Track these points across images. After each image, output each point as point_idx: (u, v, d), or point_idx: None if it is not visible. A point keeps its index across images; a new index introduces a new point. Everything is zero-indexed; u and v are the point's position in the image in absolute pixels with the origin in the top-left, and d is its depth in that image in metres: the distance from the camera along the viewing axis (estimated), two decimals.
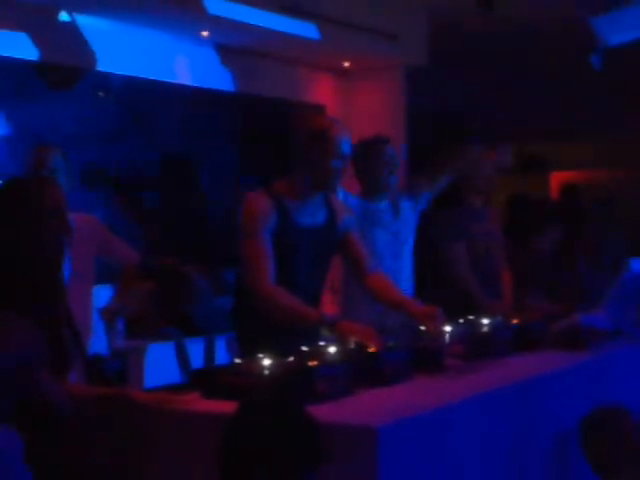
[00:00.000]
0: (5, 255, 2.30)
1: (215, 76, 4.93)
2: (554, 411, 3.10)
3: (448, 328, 3.17)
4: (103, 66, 4.41)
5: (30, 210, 2.34)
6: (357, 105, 5.64)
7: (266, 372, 2.57)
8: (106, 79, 4.49)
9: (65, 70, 4.23)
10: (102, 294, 3.50)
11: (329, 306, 3.70)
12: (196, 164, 4.76)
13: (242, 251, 3.13)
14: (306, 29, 4.84)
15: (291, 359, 2.65)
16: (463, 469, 2.60)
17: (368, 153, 3.94)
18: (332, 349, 2.73)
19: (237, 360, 2.68)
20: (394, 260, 3.99)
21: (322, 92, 5.61)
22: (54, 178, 3.10)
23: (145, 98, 4.63)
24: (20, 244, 2.32)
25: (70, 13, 4.19)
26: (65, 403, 2.13)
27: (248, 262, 3.11)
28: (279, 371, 2.57)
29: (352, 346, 2.84)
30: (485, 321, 3.40)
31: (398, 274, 3.97)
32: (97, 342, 3.25)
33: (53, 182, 2.58)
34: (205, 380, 2.71)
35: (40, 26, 4.13)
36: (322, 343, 2.82)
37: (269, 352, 2.63)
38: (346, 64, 5.46)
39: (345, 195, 3.85)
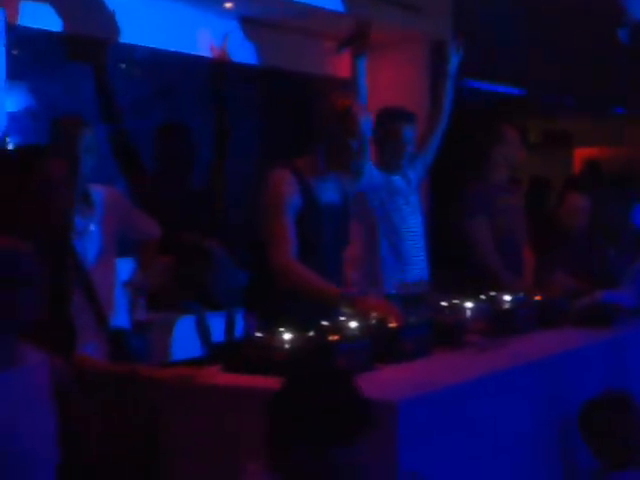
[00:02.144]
0: (10, 222, 2.31)
1: (238, 49, 4.90)
2: (575, 388, 3.09)
3: (470, 304, 3.17)
4: (126, 38, 4.41)
5: (36, 180, 2.35)
6: (380, 79, 5.57)
7: (287, 346, 2.58)
8: (129, 51, 4.48)
9: (88, 42, 4.23)
10: (124, 267, 3.52)
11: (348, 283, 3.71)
12: (221, 139, 4.74)
13: (266, 227, 3.14)
14: (330, 1, 4.80)
15: (312, 334, 2.65)
16: (482, 444, 2.60)
17: (389, 132, 3.92)
18: (353, 324, 2.73)
19: (258, 334, 2.69)
20: (415, 229, 3.99)
21: (346, 65, 5.56)
22: (57, 148, 3.11)
23: (169, 70, 4.62)
24: (26, 213, 2.33)
25: None
26: (64, 379, 2.14)
27: (272, 238, 3.11)
28: (300, 345, 2.58)
29: (372, 321, 2.84)
30: (506, 297, 3.39)
31: (416, 240, 3.97)
32: (121, 316, 3.27)
33: (56, 152, 2.60)
34: (226, 354, 2.73)
35: None
36: (342, 318, 2.82)
37: (290, 326, 2.63)
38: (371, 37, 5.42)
39: (370, 168, 3.85)
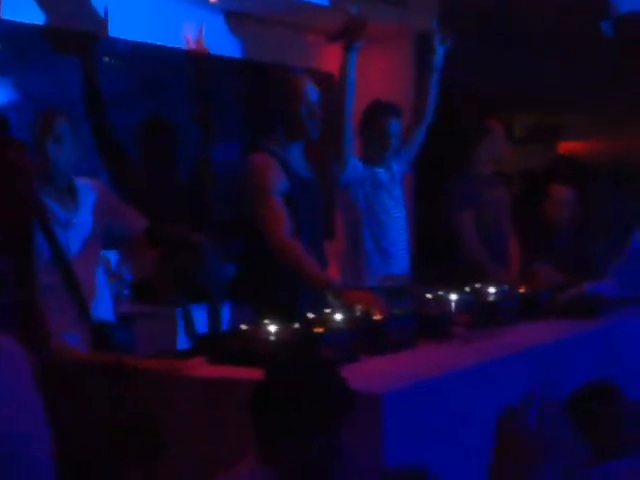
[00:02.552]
0: None
1: (223, 42, 4.89)
2: (561, 379, 3.11)
3: (454, 296, 3.18)
4: (111, 31, 4.39)
5: None
6: (366, 72, 5.57)
7: (272, 338, 2.58)
8: (114, 45, 4.46)
9: (73, 35, 4.21)
10: (109, 260, 3.51)
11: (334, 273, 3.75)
12: (205, 132, 4.74)
13: (258, 211, 3.23)
14: None
15: (296, 325, 2.66)
16: (467, 436, 2.61)
17: (373, 123, 3.94)
18: (337, 316, 2.74)
19: (243, 326, 2.69)
20: (399, 222, 4.01)
21: (331, 60, 5.56)
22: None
23: (154, 64, 4.60)
24: None
25: None
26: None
27: (266, 217, 3.22)
28: (285, 337, 2.58)
29: (357, 313, 2.84)
30: (491, 289, 3.41)
31: (399, 233, 3.99)
32: (105, 309, 3.27)
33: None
34: (211, 346, 2.73)
35: None
36: (327, 310, 2.83)
37: (276, 317, 2.64)
38: None
39: (354, 161, 3.87)
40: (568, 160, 8.32)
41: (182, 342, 3.58)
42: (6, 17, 3.89)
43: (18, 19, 3.97)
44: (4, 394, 1.93)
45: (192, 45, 4.62)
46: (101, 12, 4.30)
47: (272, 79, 3.49)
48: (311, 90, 3.40)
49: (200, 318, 3.47)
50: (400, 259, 4.01)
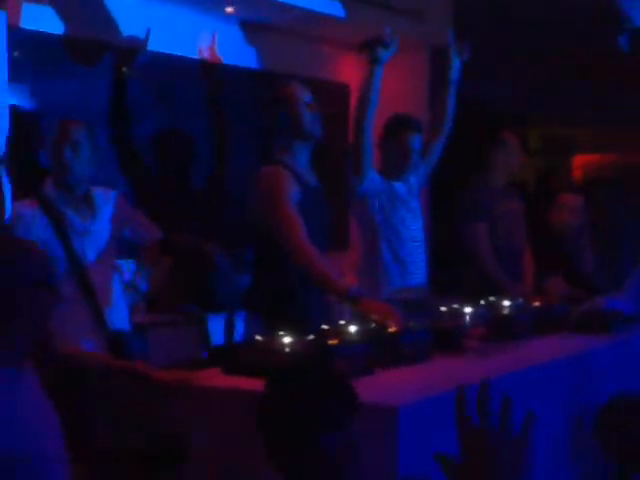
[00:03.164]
0: None
1: (240, 53, 4.91)
2: (575, 394, 3.10)
3: (469, 309, 3.18)
4: (129, 42, 4.41)
5: None
6: (382, 85, 5.59)
7: (286, 349, 2.58)
8: (131, 55, 4.48)
9: (91, 45, 4.23)
10: (125, 269, 3.52)
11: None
12: (219, 142, 4.75)
13: (274, 218, 3.23)
14: (331, 6, 4.80)
15: (311, 337, 2.66)
16: None
17: (395, 137, 3.94)
18: (352, 328, 2.74)
19: (257, 337, 2.69)
20: (416, 235, 4.00)
21: (346, 71, 5.58)
22: None
23: (170, 74, 4.62)
24: None
25: None
26: None
27: (283, 224, 3.21)
28: (299, 349, 2.58)
29: (372, 325, 2.84)
30: (505, 303, 3.40)
31: (417, 245, 3.99)
32: (121, 318, 3.27)
33: None
34: (225, 356, 2.73)
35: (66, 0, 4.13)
36: (342, 322, 2.82)
37: (290, 328, 2.64)
38: None
39: (373, 173, 3.88)
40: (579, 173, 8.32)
41: (197, 352, 3.59)
42: (26, 26, 3.92)
43: (37, 28, 4.00)
44: (29, 414, 1.94)
45: (205, 55, 4.64)
46: (118, 22, 4.32)
47: (268, 92, 3.55)
48: (303, 92, 3.43)
49: (215, 328, 3.49)
50: (417, 271, 4.01)
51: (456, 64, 4.09)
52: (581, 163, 10.00)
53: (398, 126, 3.97)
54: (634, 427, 2.85)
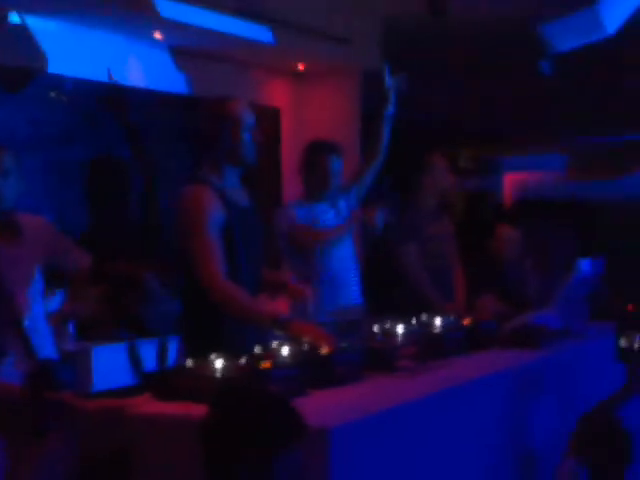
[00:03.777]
0: None
1: (169, 78, 4.91)
2: (506, 409, 3.14)
3: (401, 328, 3.20)
4: (55, 68, 4.37)
5: None
6: (312, 108, 5.65)
7: (218, 374, 2.57)
8: (58, 81, 4.45)
9: (16, 72, 4.18)
10: (52, 297, 3.46)
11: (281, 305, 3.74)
12: (148, 167, 4.73)
13: (191, 246, 3.11)
14: (260, 32, 4.83)
15: (243, 360, 2.65)
16: (416, 469, 2.62)
17: (315, 160, 3.99)
18: (284, 350, 2.74)
19: (189, 362, 2.67)
20: (347, 256, 4.03)
21: (277, 95, 5.61)
22: None
23: (98, 100, 4.59)
24: None
25: (20, 14, 4.15)
26: None
27: (199, 257, 3.08)
28: (232, 373, 2.57)
29: (304, 347, 2.85)
30: (437, 321, 3.44)
31: (348, 263, 4.02)
32: (50, 346, 3.22)
33: None
34: (157, 382, 2.71)
35: None
36: (274, 344, 2.82)
37: (220, 351, 2.63)
38: (301, 67, 5.48)
39: (290, 205, 3.92)
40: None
41: (129, 379, 3.54)
42: None
43: None
44: None
45: (116, 78, 4.58)
46: (46, 49, 4.28)
47: (207, 108, 3.33)
48: (247, 114, 3.29)
49: (148, 354, 3.45)
50: (350, 291, 4.04)
51: (392, 98, 4.13)
52: (511, 182, 10.21)
53: (316, 150, 4.02)
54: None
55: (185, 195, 3.18)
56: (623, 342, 3.13)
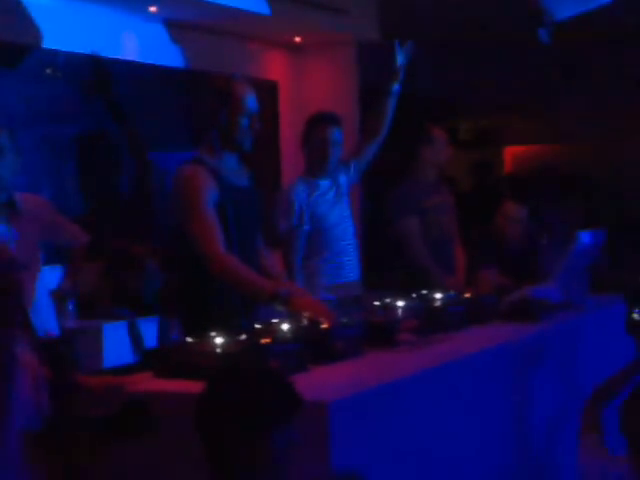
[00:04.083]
0: None
1: (165, 52, 4.87)
2: (507, 383, 3.14)
3: (401, 303, 3.20)
4: (51, 43, 4.34)
5: None
6: (309, 81, 5.61)
7: (219, 350, 2.57)
8: (53, 56, 4.41)
9: (10, 47, 4.15)
10: (52, 275, 3.46)
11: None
12: (145, 141, 4.71)
13: (190, 224, 3.13)
14: (256, 4, 4.79)
15: (243, 337, 2.65)
16: (416, 443, 2.62)
17: (314, 132, 3.94)
18: (284, 326, 2.73)
19: (189, 339, 2.67)
20: (347, 232, 4.02)
21: (274, 68, 5.58)
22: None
23: (108, 76, 4.55)
24: None
25: None
26: None
27: (199, 233, 3.11)
28: (232, 349, 2.57)
29: (304, 322, 2.84)
30: (437, 295, 3.43)
31: (348, 243, 4.01)
32: (49, 324, 3.22)
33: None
34: (157, 360, 2.71)
35: None
36: (274, 320, 2.82)
37: (217, 328, 2.62)
38: (297, 39, 5.44)
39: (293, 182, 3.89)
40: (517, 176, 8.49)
41: (129, 356, 3.55)
42: None
43: None
44: None
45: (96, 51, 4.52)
46: (40, 23, 4.24)
47: (212, 85, 3.32)
48: (251, 100, 3.27)
49: (149, 332, 3.45)
50: (350, 268, 4.03)
51: (401, 75, 4.08)
52: (512, 155, 10.17)
53: (316, 122, 3.97)
54: None
55: (179, 175, 3.20)
56: (637, 316, 3.08)
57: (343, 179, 4.08)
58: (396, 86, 4.09)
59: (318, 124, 3.96)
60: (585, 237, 3.87)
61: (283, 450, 1.92)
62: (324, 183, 3.99)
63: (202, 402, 1.97)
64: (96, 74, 4.45)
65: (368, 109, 4.70)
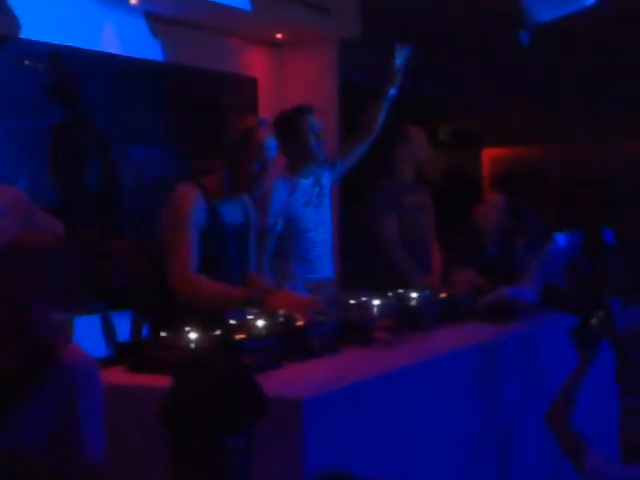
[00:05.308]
0: None
1: (145, 46, 4.83)
2: (481, 382, 3.15)
3: (377, 301, 3.19)
4: (30, 34, 4.29)
5: None
6: (289, 78, 5.59)
7: (193, 345, 2.55)
8: (33, 47, 4.36)
9: None
10: None
11: None
12: (124, 135, 4.67)
13: (168, 242, 3.11)
14: (238, 0, 4.77)
15: (218, 332, 2.63)
16: (390, 441, 2.62)
17: (293, 123, 3.90)
18: (259, 322, 2.72)
19: (163, 333, 2.65)
20: (320, 234, 4.00)
21: (254, 64, 5.55)
22: None
23: (73, 67, 4.51)
24: None
25: None
26: None
27: (173, 252, 3.08)
28: (206, 344, 2.55)
29: (279, 319, 2.83)
30: (413, 294, 3.43)
31: (324, 247, 3.99)
32: None
33: None
34: (131, 354, 2.69)
35: None
36: (250, 316, 2.80)
37: (195, 324, 2.61)
38: (278, 36, 5.42)
39: (273, 177, 3.85)
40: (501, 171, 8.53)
41: (102, 350, 3.52)
42: None
43: None
44: None
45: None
46: (18, 14, 4.20)
47: (236, 124, 3.24)
48: (271, 145, 3.20)
49: (122, 326, 3.42)
50: (324, 268, 4.02)
51: (399, 80, 4.08)
52: (490, 157, 10.21)
53: (291, 115, 3.94)
54: None
55: (174, 193, 3.17)
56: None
57: (327, 179, 4.06)
58: (393, 90, 4.10)
59: (294, 116, 3.92)
60: (561, 239, 3.89)
61: (243, 451, 1.90)
62: (306, 183, 3.96)
63: (165, 398, 1.95)
64: (54, 67, 4.40)
65: (352, 107, 4.70)
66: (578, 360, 2.91)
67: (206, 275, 3.08)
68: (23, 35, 4.26)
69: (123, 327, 3.44)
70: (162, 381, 2.37)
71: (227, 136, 3.22)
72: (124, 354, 2.77)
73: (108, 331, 3.57)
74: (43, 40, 4.37)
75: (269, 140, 3.19)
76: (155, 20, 4.88)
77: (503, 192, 5.14)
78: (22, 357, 2.17)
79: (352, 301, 3.19)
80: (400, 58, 4.07)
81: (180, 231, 3.09)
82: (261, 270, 3.73)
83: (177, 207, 3.13)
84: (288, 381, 2.51)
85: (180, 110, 5.06)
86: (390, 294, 3.41)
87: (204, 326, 2.62)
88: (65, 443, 2.12)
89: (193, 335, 2.57)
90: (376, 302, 3.19)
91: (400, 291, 3.47)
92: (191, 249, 3.08)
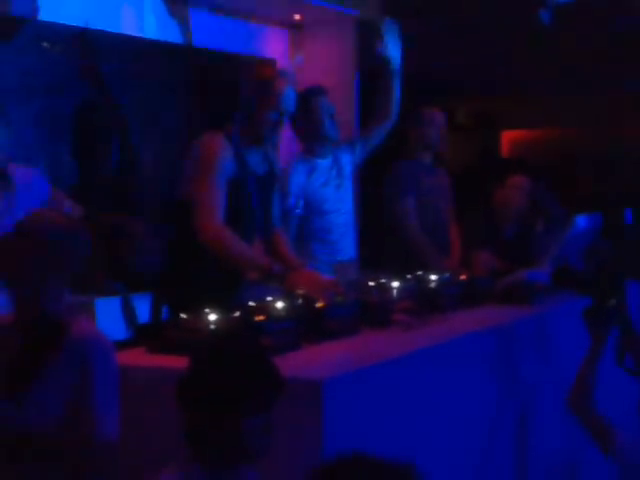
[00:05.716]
0: None
1: (165, 28, 4.83)
2: (499, 364, 3.15)
3: (396, 283, 3.20)
4: (49, 16, 4.29)
5: None
6: (308, 59, 5.57)
7: (212, 327, 2.56)
8: (50, 29, 4.37)
9: (6, 20, 4.11)
10: None
11: None
12: (143, 118, 4.68)
13: (196, 190, 3.07)
14: None
15: (237, 314, 2.64)
16: (408, 423, 2.63)
17: (307, 104, 3.89)
18: (279, 304, 2.73)
19: (182, 315, 2.66)
20: (341, 215, 4.00)
21: (273, 46, 5.53)
22: None
23: (94, 49, 4.51)
24: None
25: None
26: None
27: (200, 199, 3.04)
28: (225, 326, 2.57)
29: (299, 301, 2.84)
30: (433, 277, 3.43)
31: (346, 228, 3.99)
32: None
33: None
34: (151, 335, 2.70)
35: None
36: (269, 298, 2.81)
37: (211, 305, 2.61)
38: (297, 17, 5.39)
39: (291, 159, 3.85)
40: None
41: (122, 332, 3.54)
42: None
43: None
44: None
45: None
46: None
47: (255, 71, 3.19)
48: (289, 97, 3.15)
49: (142, 307, 3.44)
50: (346, 249, 4.02)
51: (395, 55, 4.03)
52: (509, 139, 10.15)
53: (305, 96, 3.92)
54: None
55: (201, 141, 3.12)
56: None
57: (346, 158, 4.04)
58: (394, 65, 4.04)
59: (305, 98, 3.90)
60: (581, 221, 3.87)
61: (258, 435, 1.91)
62: (324, 163, 3.96)
63: (182, 379, 1.97)
64: (81, 48, 4.40)
65: (368, 88, 4.67)
66: (590, 342, 2.90)
67: (230, 223, 3.05)
68: (43, 17, 4.26)
69: (143, 309, 3.46)
70: (181, 362, 2.39)
71: (245, 85, 3.17)
72: (144, 335, 2.78)
73: (128, 313, 3.59)
74: (63, 22, 4.37)
75: (287, 91, 3.14)
76: (175, 2, 4.87)
77: (525, 174, 5.10)
78: (35, 336, 2.18)
79: (371, 283, 3.20)
80: (389, 34, 4.00)
81: (208, 179, 3.03)
82: None
83: (204, 156, 3.08)
84: (307, 362, 2.52)
85: (198, 92, 5.06)
86: (409, 276, 3.41)
87: (223, 308, 2.63)
88: (78, 422, 2.13)
89: (212, 317, 2.59)
90: (395, 284, 3.20)
91: (419, 273, 3.47)
92: (219, 198, 3.03)
